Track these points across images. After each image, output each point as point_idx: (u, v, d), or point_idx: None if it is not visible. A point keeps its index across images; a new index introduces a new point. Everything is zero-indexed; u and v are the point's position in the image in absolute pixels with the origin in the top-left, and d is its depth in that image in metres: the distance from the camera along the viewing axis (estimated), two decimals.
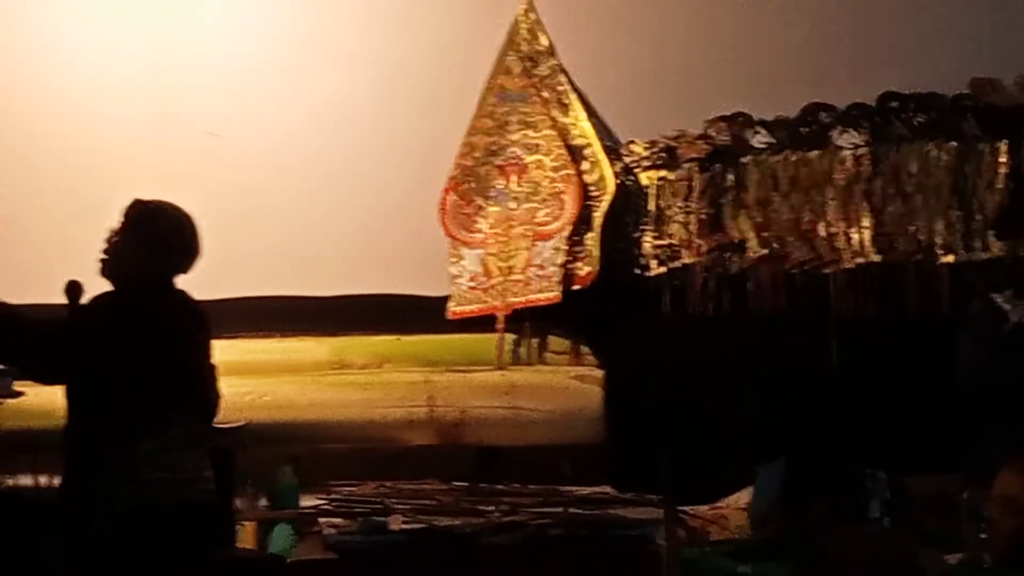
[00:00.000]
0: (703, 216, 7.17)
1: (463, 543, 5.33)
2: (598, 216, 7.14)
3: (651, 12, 7.41)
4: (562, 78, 7.31)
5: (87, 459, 5.07)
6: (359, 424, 6.75)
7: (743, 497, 5.88)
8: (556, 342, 7.16)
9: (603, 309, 7.11)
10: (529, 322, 7.14)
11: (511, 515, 5.47)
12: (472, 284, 7.21)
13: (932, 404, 6.21)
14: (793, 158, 7.16)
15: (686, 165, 7.22)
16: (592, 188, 7.17)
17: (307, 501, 6.32)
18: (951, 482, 5.41)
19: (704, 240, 7.15)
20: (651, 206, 7.24)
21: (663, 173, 7.25)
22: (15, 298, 5.16)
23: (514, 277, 7.14)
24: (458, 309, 7.21)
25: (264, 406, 6.64)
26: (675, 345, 6.96)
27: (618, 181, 7.19)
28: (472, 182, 7.28)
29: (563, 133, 7.24)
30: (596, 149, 7.21)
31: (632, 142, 7.31)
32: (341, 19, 7.42)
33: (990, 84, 7.17)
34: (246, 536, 6.51)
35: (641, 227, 7.23)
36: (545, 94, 7.31)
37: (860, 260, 7.02)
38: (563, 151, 7.19)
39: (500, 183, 7.26)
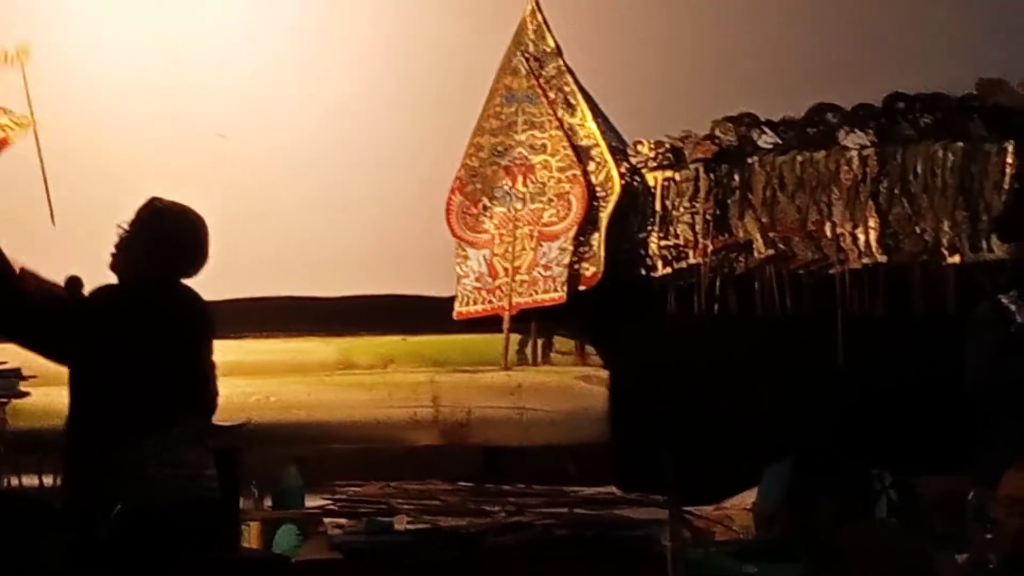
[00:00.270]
0: (709, 216, 7.17)
1: (468, 543, 5.32)
2: (604, 216, 7.13)
3: (658, 13, 7.40)
4: (568, 78, 7.31)
5: (89, 456, 5.08)
6: (364, 424, 6.75)
7: (748, 497, 5.87)
8: (562, 342, 7.16)
9: (609, 309, 7.11)
10: (535, 322, 7.14)
11: (516, 515, 5.47)
12: (478, 284, 7.21)
13: (938, 404, 6.22)
14: (799, 159, 7.16)
15: (692, 165, 7.22)
16: (598, 188, 7.17)
17: (312, 501, 6.33)
18: (957, 482, 5.40)
19: (710, 240, 7.15)
20: (657, 206, 7.24)
21: (669, 173, 7.25)
22: None
23: (520, 277, 7.14)
24: (464, 310, 7.21)
25: (270, 406, 6.64)
26: (681, 345, 6.96)
27: (624, 181, 7.19)
28: (478, 182, 7.28)
29: (569, 133, 7.24)
30: (602, 149, 7.21)
31: (638, 142, 7.31)
32: (348, 21, 7.41)
33: (997, 85, 7.17)
34: (251, 536, 6.53)
35: (647, 227, 7.23)
36: (551, 94, 7.31)
37: (866, 260, 7.02)
38: (569, 151, 7.18)
39: (506, 183, 7.26)
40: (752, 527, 5.42)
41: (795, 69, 7.29)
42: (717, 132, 7.24)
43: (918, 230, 7.03)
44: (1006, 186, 6.91)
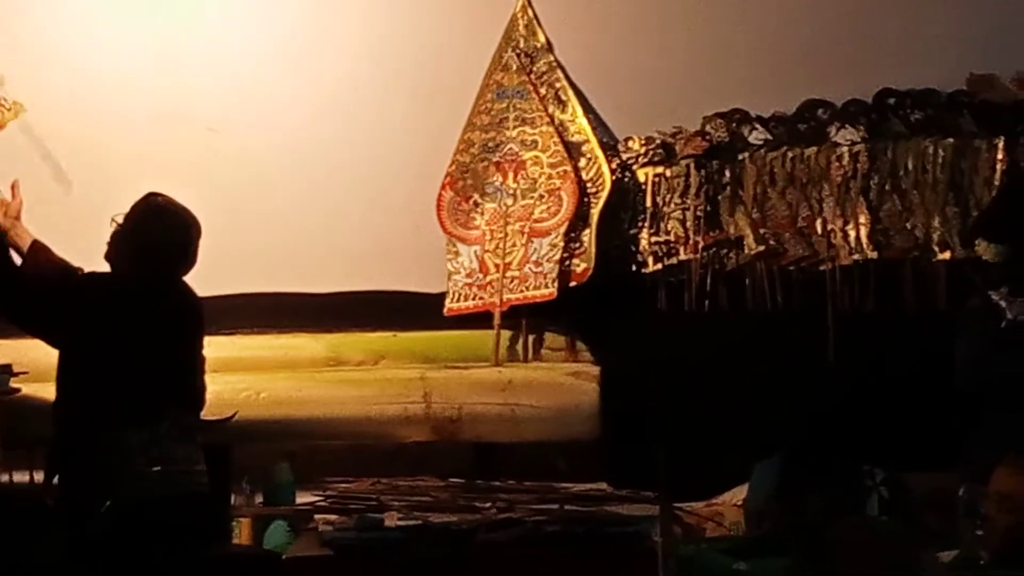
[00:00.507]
0: (700, 213, 7.17)
1: (459, 540, 5.31)
2: (595, 213, 7.13)
3: (648, 8, 7.40)
4: (559, 74, 7.31)
5: (75, 450, 5.08)
6: (355, 420, 6.74)
7: (739, 493, 5.88)
8: (553, 339, 7.15)
9: (600, 306, 7.11)
10: (526, 319, 7.14)
11: (507, 512, 5.46)
12: (469, 281, 7.21)
13: (929, 400, 6.23)
14: (790, 155, 7.16)
15: (683, 162, 7.21)
16: (589, 184, 7.16)
17: (303, 497, 6.33)
18: (948, 479, 5.42)
19: (701, 237, 7.15)
20: (648, 203, 7.23)
21: (660, 169, 7.24)
22: None
23: (511, 274, 7.13)
24: (455, 306, 7.21)
25: (260, 402, 6.64)
26: (671, 342, 6.97)
27: (615, 177, 7.18)
28: (469, 178, 7.27)
29: (560, 129, 7.23)
30: (593, 145, 7.21)
31: (629, 138, 7.30)
32: (340, 17, 7.40)
33: (987, 81, 7.18)
34: (242, 532, 6.52)
35: (638, 224, 7.23)
36: (542, 90, 7.30)
37: (857, 257, 7.02)
38: (560, 147, 7.18)
39: (497, 179, 7.26)
40: (743, 523, 5.44)
41: (786, 65, 7.29)
42: (708, 128, 7.23)
43: (909, 226, 7.03)
44: (996, 182, 6.91)
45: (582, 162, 7.19)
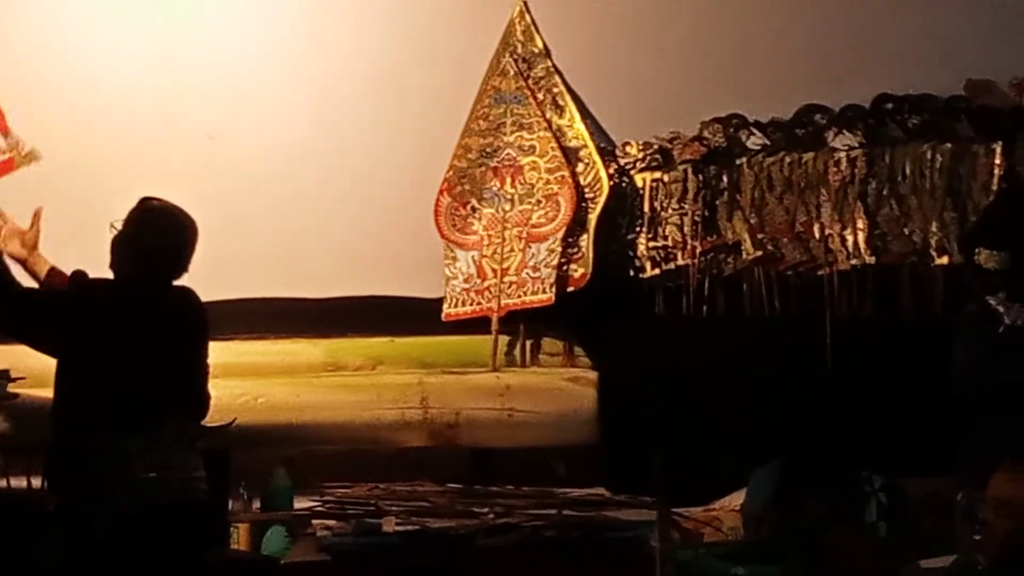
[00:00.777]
0: (698, 218, 7.17)
1: (457, 545, 5.33)
2: (592, 218, 7.12)
3: (646, 14, 7.40)
4: (557, 79, 7.31)
5: (72, 455, 5.07)
6: (353, 426, 6.73)
7: (737, 499, 5.88)
8: (550, 344, 7.15)
9: (597, 311, 7.11)
10: (523, 324, 7.14)
11: (505, 517, 5.47)
12: (466, 286, 7.21)
13: (927, 406, 6.22)
14: (788, 160, 7.16)
15: (681, 167, 7.21)
16: (587, 190, 7.16)
17: (301, 503, 6.32)
18: (945, 484, 5.41)
19: (699, 242, 7.15)
20: (646, 208, 7.23)
21: (658, 175, 7.24)
22: None
23: (508, 279, 7.13)
24: (452, 311, 7.21)
25: (258, 408, 6.63)
26: (669, 347, 6.96)
27: (613, 183, 7.18)
28: (467, 184, 7.27)
29: (558, 135, 7.23)
30: (591, 151, 7.20)
31: (627, 144, 7.30)
32: (336, 22, 7.40)
33: (985, 86, 7.18)
34: (240, 538, 6.51)
35: (636, 229, 7.23)
36: (540, 96, 7.30)
37: (855, 262, 7.02)
38: (558, 153, 7.18)
39: (495, 185, 7.25)
40: (740, 528, 5.43)
41: (783, 70, 7.29)
42: (705, 133, 7.24)
43: (906, 231, 7.03)
44: (994, 187, 6.92)
45: (580, 167, 7.19)
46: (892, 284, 7.00)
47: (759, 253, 7.11)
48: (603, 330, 7.09)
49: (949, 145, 7.04)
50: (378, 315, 7.19)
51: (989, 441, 5.30)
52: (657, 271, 7.18)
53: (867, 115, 7.16)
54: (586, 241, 7.12)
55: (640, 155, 7.27)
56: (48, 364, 5.38)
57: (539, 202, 7.18)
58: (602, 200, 7.14)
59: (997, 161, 6.96)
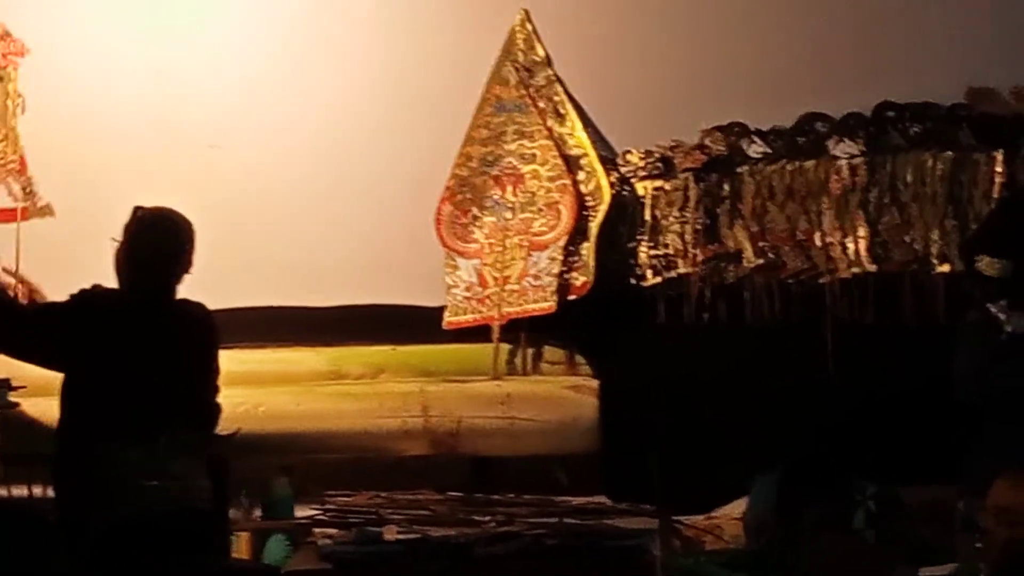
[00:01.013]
0: (699, 226, 7.17)
1: (458, 553, 5.31)
2: (594, 226, 7.13)
3: (648, 22, 7.41)
4: (558, 88, 7.31)
5: (78, 465, 5.08)
6: (354, 434, 6.74)
7: (739, 507, 5.87)
8: (552, 352, 7.15)
9: (599, 319, 7.11)
10: (525, 332, 7.14)
11: (506, 525, 5.45)
12: (468, 294, 7.21)
13: (928, 413, 6.22)
14: (789, 168, 7.16)
15: (682, 175, 7.21)
16: (588, 198, 7.16)
17: (302, 511, 6.31)
18: (946, 491, 5.41)
19: (700, 250, 7.15)
20: (647, 216, 7.23)
21: (659, 183, 7.24)
22: None
23: (510, 287, 7.14)
24: (453, 319, 7.21)
25: (259, 416, 6.63)
26: (671, 355, 6.96)
27: (614, 191, 7.18)
28: (468, 192, 7.28)
29: (559, 143, 7.23)
30: (592, 159, 7.21)
31: (628, 152, 7.30)
32: (338, 32, 7.42)
33: (986, 94, 7.17)
34: (241, 547, 6.52)
35: (637, 237, 7.23)
36: (541, 104, 7.31)
37: (856, 270, 7.02)
38: (559, 161, 7.18)
39: (496, 193, 7.26)
40: (742, 537, 5.43)
41: (785, 79, 7.29)
42: (707, 141, 7.24)
43: (908, 239, 7.03)
44: (995, 195, 6.91)
45: (581, 176, 7.19)
46: (893, 292, 6.99)
47: (760, 261, 7.11)
48: (604, 338, 7.09)
49: (950, 153, 7.03)
50: (380, 323, 7.19)
51: (990, 449, 5.30)
52: (658, 279, 7.18)
53: (868, 123, 7.16)
54: (587, 249, 7.12)
55: (641, 163, 7.27)
56: (48, 373, 5.39)
57: (540, 210, 7.18)
58: (603, 208, 7.14)
59: (998, 169, 6.95)
